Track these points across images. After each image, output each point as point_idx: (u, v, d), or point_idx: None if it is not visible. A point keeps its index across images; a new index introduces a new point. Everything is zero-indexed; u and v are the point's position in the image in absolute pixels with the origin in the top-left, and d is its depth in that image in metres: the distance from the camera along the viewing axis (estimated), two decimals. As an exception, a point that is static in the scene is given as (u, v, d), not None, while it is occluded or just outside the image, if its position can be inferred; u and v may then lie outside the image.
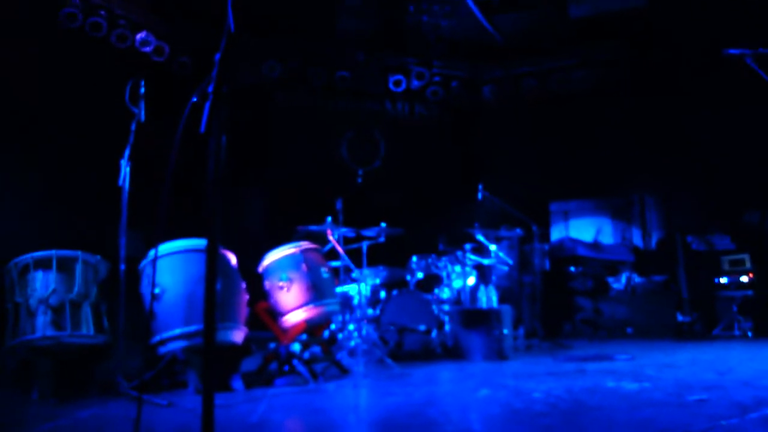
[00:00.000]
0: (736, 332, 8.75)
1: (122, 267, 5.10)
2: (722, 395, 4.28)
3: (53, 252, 5.19)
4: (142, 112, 5.17)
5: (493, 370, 6.27)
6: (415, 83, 11.76)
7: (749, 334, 8.63)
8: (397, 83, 11.64)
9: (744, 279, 9.00)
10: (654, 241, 11.16)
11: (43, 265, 5.16)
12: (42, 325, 4.97)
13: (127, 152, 5.13)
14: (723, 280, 9.16)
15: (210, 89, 2.05)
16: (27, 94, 8.42)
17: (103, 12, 9.37)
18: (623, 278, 10.23)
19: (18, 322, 5.04)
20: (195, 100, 2.14)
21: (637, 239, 11.29)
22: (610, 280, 10.41)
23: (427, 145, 12.19)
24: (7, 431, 3.83)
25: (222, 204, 2.01)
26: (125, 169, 5.12)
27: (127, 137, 5.15)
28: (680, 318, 9.22)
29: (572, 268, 10.88)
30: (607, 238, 11.42)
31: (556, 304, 10.29)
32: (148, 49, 9.86)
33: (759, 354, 6.84)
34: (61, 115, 8.61)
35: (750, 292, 8.90)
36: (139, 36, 9.76)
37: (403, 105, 12.18)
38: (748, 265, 9.07)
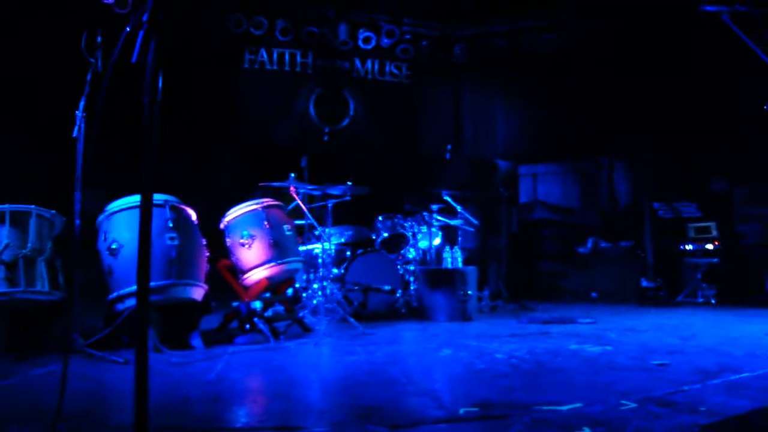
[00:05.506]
0: (700, 299, 8.81)
1: (77, 222, 4.94)
2: (685, 360, 4.28)
3: (6, 206, 5.01)
4: (99, 62, 4.96)
5: (456, 331, 6.25)
6: (385, 41, 11.58)
7: (713, 301, 8.69)
8: (367, 40, 11.44)
9: (709, 247, 9.04)
10: (621, 206, 11.19)
11: (-4, 219, 4.99)
12: (-6, 281, 4.81)
13: (82, 103, 4.92)
14: (688, 247, 9.20)
15: (145, 18, 1.91)
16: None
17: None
18: (589, 243, 10.24)
19: (-30, 277, 4.88)
20: (129, 30, 2.00)
21: (604, 204, 11.32)
22: (577, 244, 10.43)
23: (396, 103, 12.07)
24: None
25: (158, 145, 1.86)
26: (80, 120, 4.93)
27: (83, 88, 4.95)
28: (645, 284, 9.26)
29: (539, 231, 10.88)
30: (575, 202, 11.44)
31: (521, 267, 10.31)
32: (110, 0, 9.55)
33: (722, 321, 6.87)
34: (15, 66, 8.32)
35: (715, 260, 8.95)
36: (101, -14, 9.45)
37: (373, 63, 12.00)
38: (713, 233, 9.10)
